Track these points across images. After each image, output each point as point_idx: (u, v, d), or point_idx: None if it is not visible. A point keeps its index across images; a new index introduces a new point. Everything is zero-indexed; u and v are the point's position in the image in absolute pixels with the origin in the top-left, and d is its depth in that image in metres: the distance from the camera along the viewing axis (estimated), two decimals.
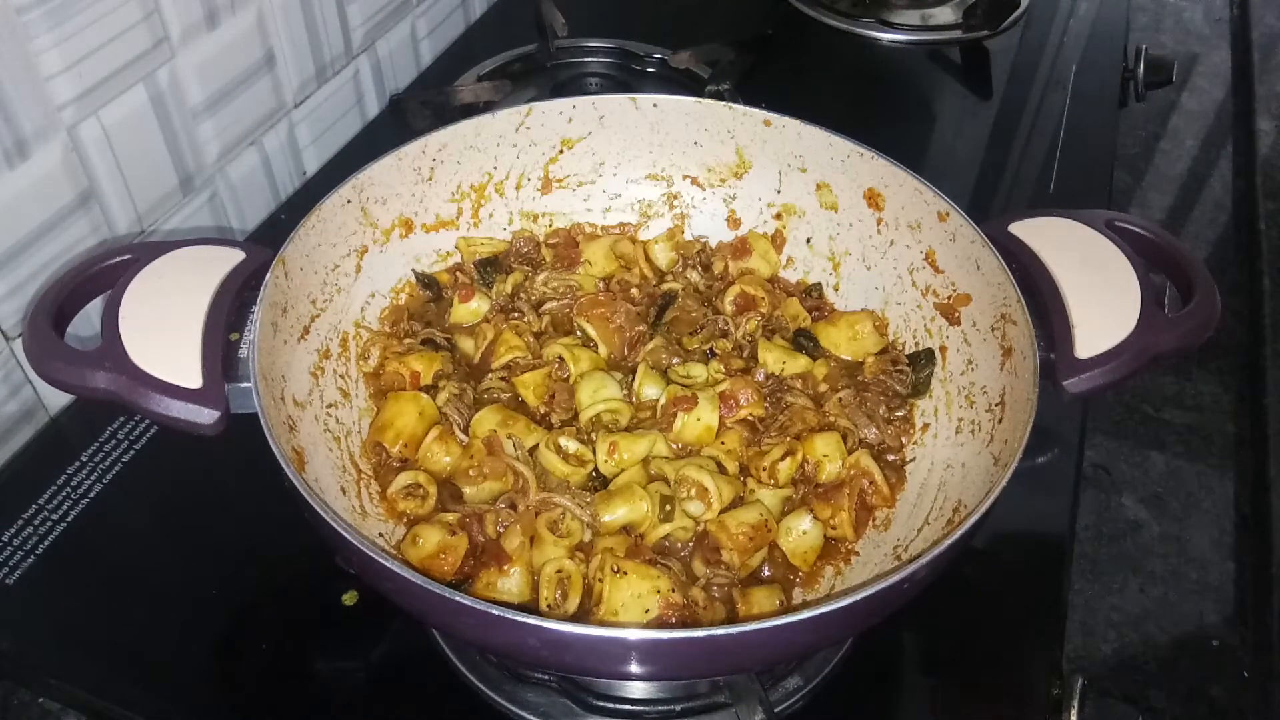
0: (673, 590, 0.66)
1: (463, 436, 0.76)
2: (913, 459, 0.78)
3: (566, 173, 0.93)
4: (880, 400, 0.80)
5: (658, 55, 1.33)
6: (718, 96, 1.07)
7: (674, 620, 0.65)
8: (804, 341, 0.85)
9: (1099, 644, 0.95)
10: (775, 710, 0.67)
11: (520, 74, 1.33)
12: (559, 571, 0.67)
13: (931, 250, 0.82)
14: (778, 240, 0.93)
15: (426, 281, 0.88)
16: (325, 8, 1.12)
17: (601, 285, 0.89)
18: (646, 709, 0.71)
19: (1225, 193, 1.47)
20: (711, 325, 0.85)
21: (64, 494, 0.82)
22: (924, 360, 0.82)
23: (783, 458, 0.74)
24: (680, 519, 0.71)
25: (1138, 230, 0.78)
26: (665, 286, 0.89)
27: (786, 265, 0.93)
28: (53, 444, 0.89)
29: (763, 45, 1.36)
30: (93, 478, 0.84)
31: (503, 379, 0.80)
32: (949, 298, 0.81)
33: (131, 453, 0.86)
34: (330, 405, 0.76)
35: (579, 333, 0.84)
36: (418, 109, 1.22)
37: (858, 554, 0.74)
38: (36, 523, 0.80)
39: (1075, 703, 0.72)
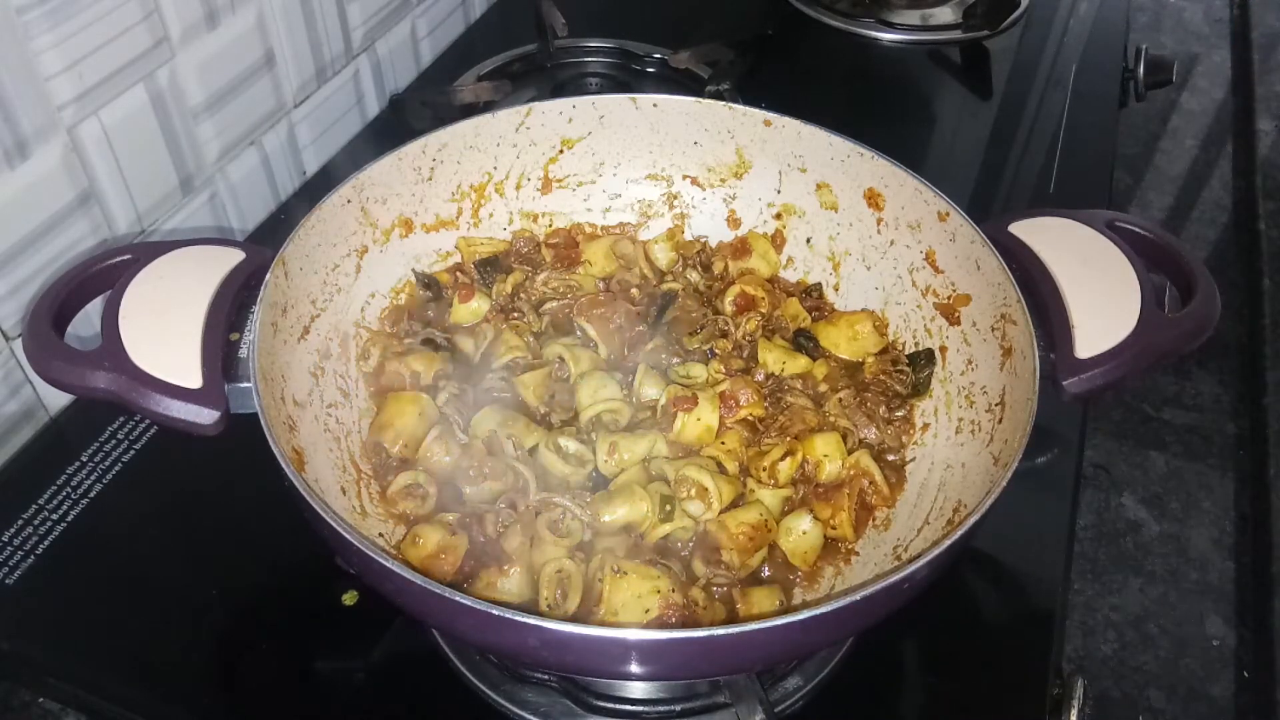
0: (673, 590, 0.66)
1: (463, 436, 0.76)
2: (913, 459, 0.78)
3: (566, 173, 0.93)
4: (880, 400, 0.80)
5: (658, 55, 1.33)
6: (718, 96, 1.08)
7: (674, 620, 0.65)
8: (804, 341, 0.85)
9: (1099, 644, 0.95)
10: (775, 710, 0.67)
11: (520, 74, 1.33)
12: (559, 571, 0.67)
13: (931, 250, 0.82)
14: (778, 240, 0.93)
15: (426, 281, 0.88)
16: (325, 8, 1.12)
17: (601, 285, 0.89)
18: (646, 709, 0.71)
19: (1225, 193, 1.47)
20: (711, 325, 0.85)
21: (64, 494, 0.82)
22: (924, 360, 0.82)
23: (783, 458, 0.74)
24: (680, 519, 0.71)
25: (1138, 230, 0.78)
26: (665, 286, 0.89)
27: (786, 265, 0.93)
28: (53, 444, 0.89)
29: (763, 45, 1.36)
30: (93, 478, 0.84)
31: (503, 379, 0.80)
32: (949, 298, 0.81)
33: (131, 453, 0.86)
34: (330, 405, 0.76)
35: (579, 333, 0.84)
36: (418, 109, 1.22)
37: (858, 554, 0.74)
38: (36, 523, 0.80)
39: (1075, 703, 0.72)
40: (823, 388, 0.82)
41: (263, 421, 0.61)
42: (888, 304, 0.87)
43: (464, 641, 0.72)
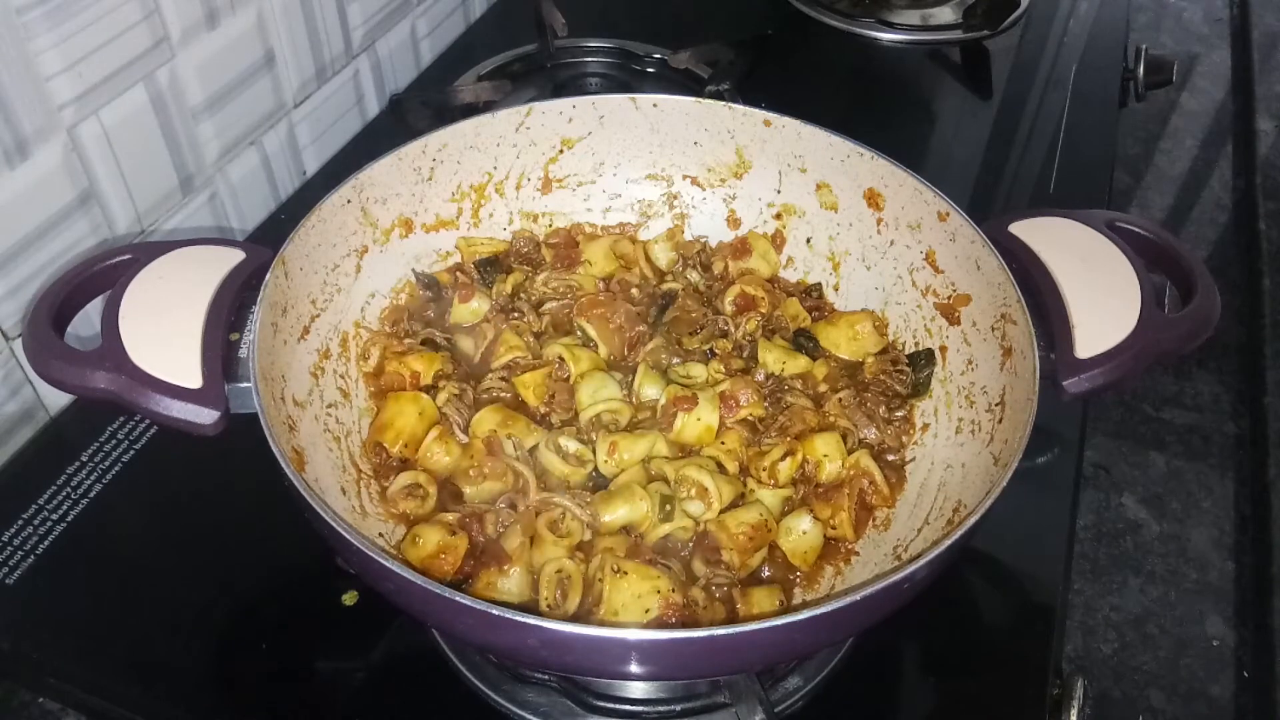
0: (673, 590, 0.66)
1: (463, 436, 0.76)
2: (913, 459, 0.78)
3: (566, 173, 0.93)
4: (880, 400, 0.80)
5: (658, 55, 1.33)
6: (718, 96, 1.07)
7: (674, 620, 0.65)
8: (804, 341, 0.85)
9: (1099, 644, 0.95)
10: (775, 710, 0.67)
11: (520, 74, 1.33)
12: (559, 571, 0.67)
13: (931, 250, 0.82)
14: (778, 240, 0.93)
15: (426, 281, 0.88)
16: (325, 8, 1.12)
17: (601, 285, 0.89)
18: (646, 709, 0.71)
19: (1225, 193, 1.47)
20: (711, 325, 0.85)
21: (64, 494, 0.82)
22: (924, 360, 0.82)
23: (783, 458, 0.74)
24: (680, 519, 0.71)
25: (1138, 230, 0.78)
26: (665, 286, 0.89)
27: (786, 265, 0.93)
28: (53, 444, 0.89)
29: (763, 45, 1.36)
30: (93, 478, 0.84)
31: (503, 379, 0.80)
32: (949, 298, 0.81)
33: (131, 453, 0.86)
34: (330, 405, 0.76)
35: (579, 333, 0.84)
36: (418, 109, 1.22)
37: (858, 554, 0.74)
38: (36, 523, 0.80)
39: (1075, 703, 0.72)
40: (823, 388, 0.82)
41: (263, 421, 0.61)
42: (888, 304, 0.87)
43: (464, 641, 0.72)
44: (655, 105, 0.90)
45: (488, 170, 0.90)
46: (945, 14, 1.46)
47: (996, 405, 0.73)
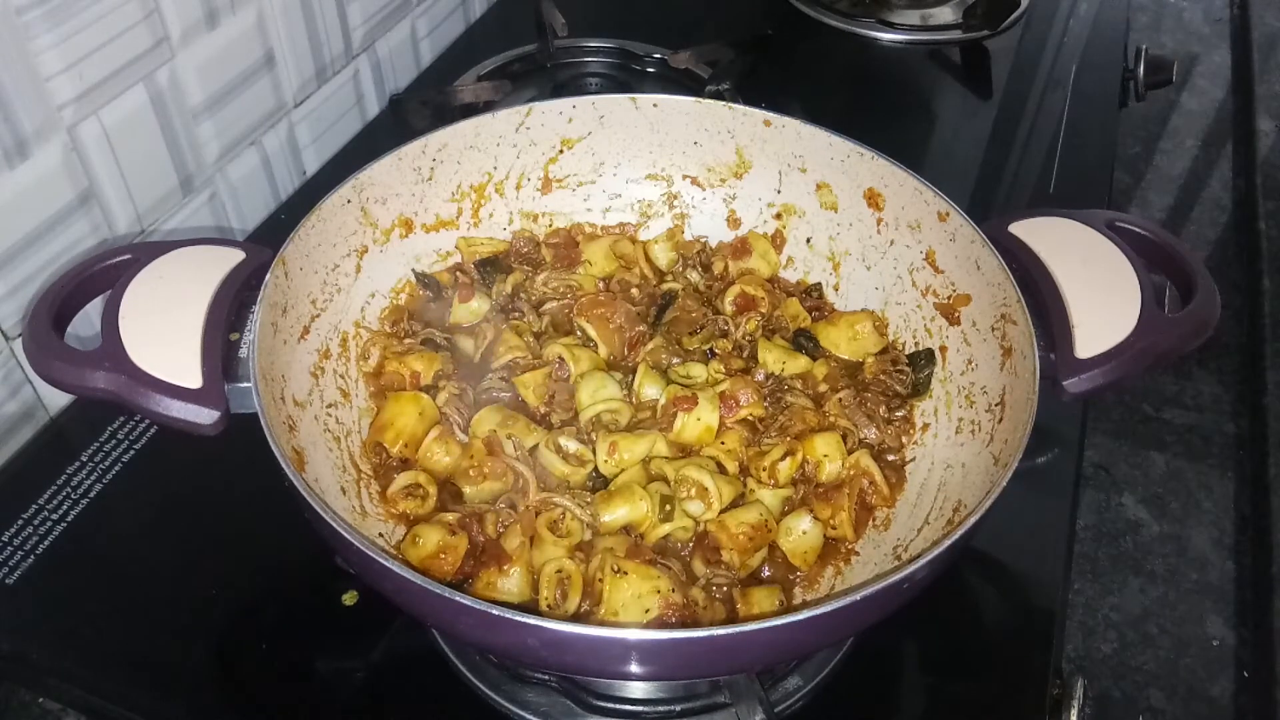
0: (673, 590, 0.66)
1: (463, 436, 0.76)
2: (913, 459, 0.78)
3: (566, 173, 0.93)
4: (880, 400, 0.80)
5: (658, 55, 1.33)
6: (718, 96, 1.07)
7: (674, 620, 0.65)
8: (804, 341, 0.85)
9: (1099, 644, 0.95)
10: (775, 710, 0.67)
11: (520, 74, 1.33)
12: (559, 571, 0.67)
13: (931, 250, 0.82)
14: (778, 240, 0.93)
15: (426, 281, 0.88)
16: (325, 8, 1.12)
17: (601, 285, 0.89)
18: (646, 709, 0.71)
19: (1225, 193, 1.47)
20: (711, 325, 0.85)
21: (64, 494, 0.82)
22: (924, 360, 0.82)
23: (783, 458, 0.74)
24: (680, 519, 0.71)
25: (1138, 230, 0.78)
26: (665, 286, 0.89)
27: (786, 265, 0.93)
28: (53, 444, 0.89)
29: (763, 45, 1.36)
30: (93, 478, 0.84)
31: (503, 379, 0.80)
32: (949, 298, 0.81)
33: (131, 453, 0.86)
34: (330, 405, 0.76)
35: (579, 333, 0.84)
36: (418, 109, 1.22)
37: (858, 554, 0.74)
38: (36, 523, 0.80)
39: (1075, 703, 0.72)
40: (823, 388, 0.82)
41: (263, 421, 0.61)
42: (888, 304, 0.87)
43: (464, 641, 0.72)
44: (655, 105, 0.90)
45: (488, 170, 0.90)
46: (945, 14, 1.46)
47: (996, 405, 0.73)
